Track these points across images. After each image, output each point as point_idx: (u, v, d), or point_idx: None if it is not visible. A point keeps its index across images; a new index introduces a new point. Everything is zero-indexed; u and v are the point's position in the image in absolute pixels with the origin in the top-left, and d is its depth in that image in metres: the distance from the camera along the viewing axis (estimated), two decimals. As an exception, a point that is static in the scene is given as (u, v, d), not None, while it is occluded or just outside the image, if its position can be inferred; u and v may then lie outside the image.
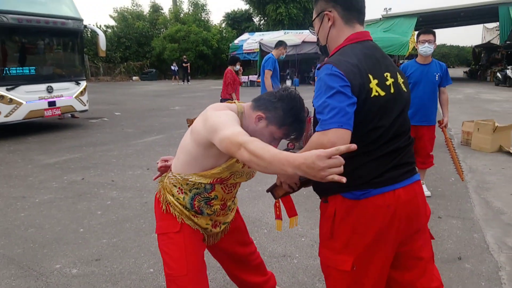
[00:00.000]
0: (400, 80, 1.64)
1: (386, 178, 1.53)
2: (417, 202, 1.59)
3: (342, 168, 1.19)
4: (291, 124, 1.72)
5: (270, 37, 25.67)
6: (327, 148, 1.34)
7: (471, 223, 3.89)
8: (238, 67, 8.34)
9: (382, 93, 1.51)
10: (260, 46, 25.12)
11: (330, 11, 1.61)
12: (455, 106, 12.53)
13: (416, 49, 4.38)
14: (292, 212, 1.97)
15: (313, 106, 1.51)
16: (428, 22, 30.11)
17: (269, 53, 23.88)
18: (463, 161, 6.22)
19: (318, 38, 1.72)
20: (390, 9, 35.44)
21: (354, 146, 1.19)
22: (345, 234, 1.58)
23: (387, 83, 1.55)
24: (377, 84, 1.50)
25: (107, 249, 3.42)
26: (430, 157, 4.63)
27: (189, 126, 1.89)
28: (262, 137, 1.73)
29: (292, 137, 1.79)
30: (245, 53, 27.54)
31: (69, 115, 10.87)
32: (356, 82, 1.45)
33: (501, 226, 3.83)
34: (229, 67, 7.97)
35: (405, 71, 4.46)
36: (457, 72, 44.20)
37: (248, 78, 25.68)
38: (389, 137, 1.54)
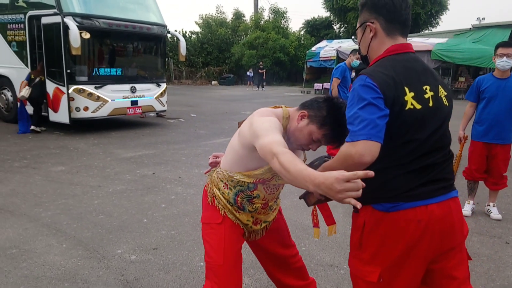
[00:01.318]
0: (442, 94, 1.60)
1: (418, 192, 1.50)
2: (451, 219, 1.55)
3: (360, 192, 1.21)
4: (331, 125, 1.75)
5: (349, 45, 25.18)
6: (355, 159, 1.37)
7: (543, 253, 3.57)
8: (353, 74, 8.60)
9: (418, 106, 1.49)
10: (337, 53, 24.82)
11: (372, 22, 1.63)
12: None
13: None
14: (330, 220, 1.99)
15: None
16: (525, 33, 27.65)
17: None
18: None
19: (359, 48, 1.74)
20: (483, 18, 33.13)
21: (371, 173, 1.21)
22: (374, 245, 1.57)
23: (426, 96, 1.53)
24: (413, 97, 1.49)
25: (165, 240, 3.65)
26: (504, 178, 4.32)
27: (239, 127, 2.00)
28: (302, 137, 1.81)
29: (330, 141, 1.80)
30: (321, 60, 27.33)
31: (155, 114, 11.63)
32: (390, 94, 1.45)
33: None
34: None
35: (480, 85, 4.22)
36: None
37: (322, 86, 25.45)
38: (425, 151, 1.51)
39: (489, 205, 4.44)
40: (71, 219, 4.08)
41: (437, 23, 34.30)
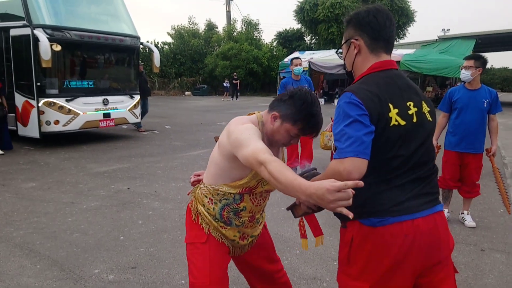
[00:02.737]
0: (426, 109, 1.64)
1: (405, 207, 1.52)
2: (437, 233, 1.57)
3: (350, 201, 1.24)
4: (304, 118, 1.78)
5: (320, 56, 25.63)
6: (343, 176, 1.38)
7: (517, 259, 3.68)
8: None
9: (403, 122, 1.52)
10: (309, 65, 25.15)
11: (357, 39, 1.65)
12: (512, 133, 11.89)
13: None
14: (317, 232, 2.00)
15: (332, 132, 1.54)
16: (488, 44, 28.91)
17: (319, 72, 23.63)
18: (516, 192, 5.88)
19: (344, 63, 1.76)
20: (448, 30, 34.38)
21: (361, 183, 1.25)
22: (362, 260, 1.58)
23: (410, 112, 1.56)
24: (397, 113, 1.51)
25: (143, 258, 3.56)
26: (476, 186, 4.45)
27: (216, 142, 1.99)
28: (281, 137, 1.84)
29: (307, 132, 1.83)
30: (294, 71, 27.62)
31: (136, 128, 11.56)
32: (374, 111, 1.47)
33: (550, 265, 3.58)
34: None
35: (452, 96, 4.35)
36: (519, 96, 41.85)
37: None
38: (409, 166, 1.53)
39: (463, 213, 4.55)
40: (45, 238, 3.93)
41: (405, 34, 35.42)
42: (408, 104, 1.57)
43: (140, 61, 11.58)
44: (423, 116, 1.61)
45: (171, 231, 4.15)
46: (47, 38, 7.91)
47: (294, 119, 1.79)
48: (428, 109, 1.66)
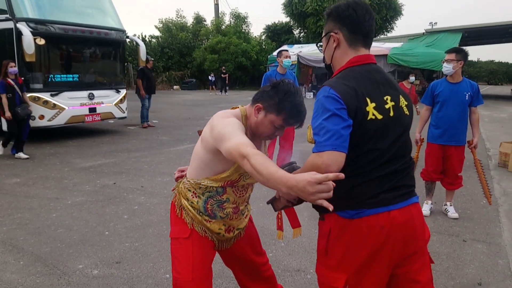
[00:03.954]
0: (403, 103, 1.65)
1: (380, 199, 1.54)
2: (413, 224, 1.59)
3: (331, 193, 1.25)
4: (288, 108, 1.79)
5: (309, 50, 25.65)
6: (321, 169, 1.40)
7: (497, 248, 3.75)
8: (412, 78, 8.67)
9: (380, 116, 1.53)
10: (298, 58, 25.18)
11: (336, 33, 1.65)
12: (497, 126, 12.04)
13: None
14: (295, 224, 2.03)
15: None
16: (474, 38, 29.21)
17: (307, 65, 23.48)
18: (498, 183, 5.99)
19: (324, 56, 1.77)
20: (435, 23, 34.60)
21: (342, 175, 1.26)
22: (339, 252, 1.60)
23: (387, 106, 1.57)
24: (374, 108, 1.53)
25: (128, 252, 3.55)
26: (459, 178, 4.52)
27: (200, 136, 1.99)
28: (265, 128, 1.85)
29: (291, 123, 1.83)
30: (283, 65, 27.61)
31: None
32: (352, 105, 1.48)
33: (529, 254, 3.66)
34: (402, 82, 8.43)
35: (435, 90, 4.39)
36: (505, 89, 42.45)
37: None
38: (386, 159, 1.55)
39: (446, 205, 4.62)
40: (28, 234, 3.90)
41: (392, 28, 35.64)
42: (385, 98, 1.58)
43: (150, 57, 11.56)
44: (401, 110, 1.63)
45: (157, 226, 4.14)
46: (31, 32, 7.80)
47: (278, 110, 1.79)
48: (406, 103, 1.68)
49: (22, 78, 7.46)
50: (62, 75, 8.97)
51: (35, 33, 7.92)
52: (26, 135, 7.29)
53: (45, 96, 8.42)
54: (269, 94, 1.82)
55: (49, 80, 8.69)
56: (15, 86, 6.95)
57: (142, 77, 11.09)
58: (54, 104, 8.55)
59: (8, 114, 6.84)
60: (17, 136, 7.15)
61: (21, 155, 7.11)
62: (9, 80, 6.88)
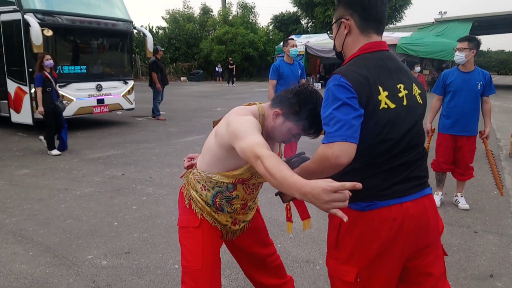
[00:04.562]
0: (416, 92, 1.61)
1: (393, 191, 1.50)
2: (426, 216, 1.56)
3: (346, 203, 1.20)
4: (307, 119, 1.72)
5: (317, 40, 25.44)
6: (331, 161, 1.36)
7: (509, 240, 3.70)
8: (418, 69, 8.55)
9: (392, 106, 1.49)
10: (306, 48, 24.98)
11: (347, 19, 1.60)
12: (508, 116, 11.87)
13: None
14: (304, 215, 2.00)
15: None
16: (485, 27, 28.76)
17: (315, 55, 23.19)
18: (510, 174, 5.92)
19: (334, 44, 1.72)
20: (445, 12, 34.11)
21: (359, 185, 1.19)
22: (350, 245, 1.57)
23: (400, 95, 1.52)
24: (387, 96, 1.48)
25: (137, 243, 3.56)
26: (470, 169, 4.45)
27: (213, 127, 1.96)
28: (281, 134, 1.80)
29: (309, 133, 1.78)
30: (290, 55, 27.44)
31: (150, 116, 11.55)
32: (364, 93, 1.44)
33: (542, 246, 3.61)
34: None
35: (446, 79, 4.31)
36: (515, 79, 41.83)
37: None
38: (399, 150, 1.51)
39: (457, 196, 4.57)
40: (38, 224, 3.92)
41: (401, 17, 35.16)
42: (398, 86, 1.54)
43: (160, 47, 11.48)
44: (414, 99, 1.58)
45: (165, 217, 4.15)
46: (38, 23, 7.79)
47: (296, 119, 1.73)
48: (419, 91, 1.63)
49: (56, 72, 7.23)
50: (70, 67, 8.99)
51: (42, 24, 7.91)
52: (65, 132, 7.02)
53: (53, 87, 8.42)
54: (290, 101, 1.74)
55: (57, 71, 8.69)
56: (52, 80, 6.72)
57: (156, 70, 11.01)
58: (62, 96, 8.54)
59: (41, 109, 6.55)
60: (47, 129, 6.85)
61: (54, 151, 6.78)
62: (46, 73, 6.63)
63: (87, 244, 3.52)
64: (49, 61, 6.64)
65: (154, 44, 10.91)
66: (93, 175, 5.62)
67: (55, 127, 6.81)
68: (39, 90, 6.53)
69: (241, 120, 1.70)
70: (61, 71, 8.77)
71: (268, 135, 1.86)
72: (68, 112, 8.71)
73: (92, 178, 5.47)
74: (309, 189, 1.23)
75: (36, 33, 7.64)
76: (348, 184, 1.19)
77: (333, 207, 1.20)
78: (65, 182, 5.30)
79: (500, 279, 3.03)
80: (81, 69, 9.18)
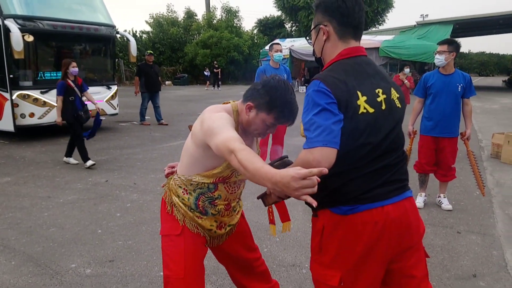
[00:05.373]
0: (395, 96, 1.63)
1: (374, 194, 1.52)
2: (408, 219, 1.58)
3: (315, 188, 1.22)
4: (279, 107, 1.76)
5: (301, 44, 25.58)
6: (312, 166, 1.37)
7: (491, 240, 3.77)
8: (407, 70, 8.67)
9: (371, 110, 1.51)
10: (290, 52, 25.11)
11: (325, 25, 1.62)
12: (489, 117, 12.11)
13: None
14: (285, 218, 2.02)
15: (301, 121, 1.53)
16: (465, 29, 29.31)
17: (300, 59, 23.32)
18: (491, 174, 6.03)
19: (314, 50, 1.74)
20: (427, 15, 34.68)
21: (325, 171, 1.23)
22: (333, 249, 1.58)
23: (378, 99, 1.55)
24: (365, 101, 1.50)
25: (121, 250, 3.52)
26: (452, 170, 4.52)
27: (190, 130, 1.96)
28: (257, 126, 1.83)
29: (283, 121, 1.81)
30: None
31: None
32: (343, 98, 1.45)
33: (523, 244, 3.68)
34: (398, 74, 8.44)
35: (427, 81, 4.39)
36: (496, 81, 42.69)
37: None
38: (378, 154, 1.53)
39: (440, 197, 4.64)
40: (20, 233, 3.85)
41: (384, 20, 35.66)
42: (377, 91, 1.56)
43: (149, 51, 11.36)
44: (392, 103, 1.60)
45: (150, 223, 4.11)
46: (19, 28, 7.66)
47: (269, 108, 1.77)
48: (398, 95, 1.65)
49: (82, 78, 6.79)
50: (52, 72, 8.86)
51: (23, 30, 7.79)
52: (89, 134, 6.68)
53: (35, 93, 8.31)
54: (259, 92, 1.79)
55: (39, 77, 8.59)
56: (75, 88, 6.33)
57: (139, 74, 10.96)
58: (44, 102, 8.44)
59: (59, 119, 6.22)
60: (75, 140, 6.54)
61: (71, 160, 6.63)
62: (69, 81, 6.22)
63: (71, 253, 3.46)
64: (74, 69, 6.23)
65: (138, 49, 10.84)
66: (76, 182, 5.54)
67: (82, 136, 6.47)
68: (60, 99, 6.17)
69: (214, 117, 1.72)
70: (43, 77, 8.66)
71: (244, 131, 1.89)
72: (51, 118, 8.60)
73: (75, 185, 5.40)
74: (279, 178, 1.26)
75: (17, 38, 7.52)
76: (315, 170, 1.22)
77: (302, 193, 1.23)
78: (48, 189, 5.22)
79: (483, 279, 3.08)
80: (63, 74, 9.05)
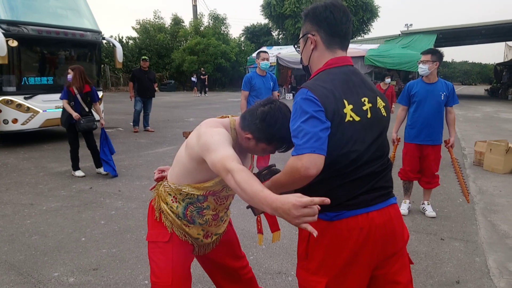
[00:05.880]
0: (381, 105, 1.66)
1: (359, 200, 1.54)
2: (392, 225, 1.60)
3: (316, 217, 1.22)
4: (279, 140, 1.74)
5: (288, 51, 25.78)
6: (301, 172, 1.38)
7: (474, 246, 3.82)
8: (388, 80, 8.82)
9: (357, 118, 1.53)
10: (277, 60, 25.26)
11: (313, 35, 1.64)
12: (471, 125, 12.33)
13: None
14: (274, 227, 2.01)
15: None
16: (448, 39, 29.89)
17: (286, 67, 23.52)
18: (474, 181, 6.12)
19: (301, 58, 1.76)
20: (411, 25, 35.28)
21: (327, 200, 1.21)
22: (319, 255, 1.59)
23: (364, 108, 1.57)
24: (352, 109, 1.52)
25: (105, 259, 3.47)
26: (436, 177, 4.58)
27: (185, 138, 1.94)
28: (255, 152, 1.83)
29: (284, 149, 1.80)
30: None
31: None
32: (330, 107, 1.48)
33: (504, 251, 3.74)
34: (379, 83, 8.50)
35: (411, 90, 4.46)
36: (478, 89, 43.51)
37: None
38: (364, 161, 1.55)
39: (423, 204, 4.69)
40: (1, 241, 3.77)
41: (369, 29, 36.13)
42: (362, 100, 1.58)
43: (144, 57, 11.29)
44: (378, 112, 1.63)
45: (135, 231, 4.07)
46: (3, 33, 7.56)
47: (268, 140, 1.74)
48: (383, 104, 1.68)
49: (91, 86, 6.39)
50: (36, 78, 8.74)
51: (7, 35, 7.69)
52: (105, 155, 6.26)
53: (19, 99, 8.19)
54: (258, 127, 1.71)
55: (23, 82, 8.46)
56: (77, 96, 6.08)
57: (133, 80, 10.96)
58: (28, 107, 8.33)
59: (74, 114, 5.99)
60: (93, 150, 6.38)
61: (77, 172, 6.25)
62: (73, 87, 6.03)
63: (53, 261, 3.40)
64: (68, 75, 6.09)
65: (124, 55, 10.79)
66: (60, 189, 5.46)
67: (77, 145, 6.28)
68: (65, 102, 6.08)
69: (212, 132, 1.68)
70: (27, 82, 8.54)
71: (241, 147, 1.86)
72: (34, 124, 8.49)
73: (58, 192, 5.32)
74: (280, 204, 1.24)
75: (1, 43, 7.42)
76: (317, 199, 1.21)
77: (303, 221, 1.21)
78: (31, 196, 5.13)
79: (466, 285, 3.12)
80: (47, 80, 8.94)
